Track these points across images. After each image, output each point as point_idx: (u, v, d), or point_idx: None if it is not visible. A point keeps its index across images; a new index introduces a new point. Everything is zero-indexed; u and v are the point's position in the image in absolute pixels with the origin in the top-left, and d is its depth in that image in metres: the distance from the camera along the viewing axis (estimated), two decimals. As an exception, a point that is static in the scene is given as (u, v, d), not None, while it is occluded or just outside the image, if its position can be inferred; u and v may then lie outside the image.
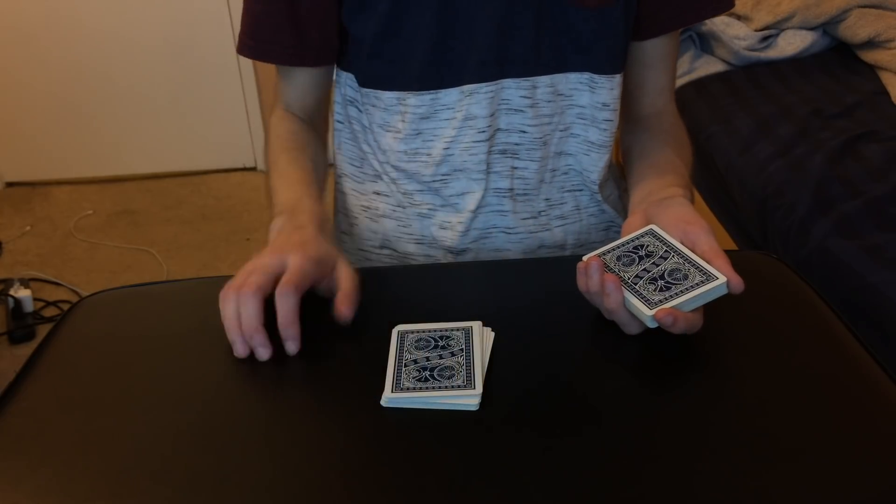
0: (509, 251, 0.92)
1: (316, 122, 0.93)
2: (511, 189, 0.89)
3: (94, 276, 2.41)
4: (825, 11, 2.01)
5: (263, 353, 0.65)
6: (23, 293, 2.20)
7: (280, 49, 0.84)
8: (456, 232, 0.90)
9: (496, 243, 0.91)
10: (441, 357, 0.62)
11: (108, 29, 2.74)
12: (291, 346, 0.65)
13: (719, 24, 2.09)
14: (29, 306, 2.20)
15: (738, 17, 2.16)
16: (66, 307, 1.89)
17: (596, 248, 0.96)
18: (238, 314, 0.65)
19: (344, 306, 0.67)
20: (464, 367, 0.61)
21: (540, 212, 0.91)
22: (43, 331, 2.17)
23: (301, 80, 0.90)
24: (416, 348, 0.64)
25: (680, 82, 2.03)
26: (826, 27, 2.05)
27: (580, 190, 0.93)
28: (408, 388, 0.60)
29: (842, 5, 2.00)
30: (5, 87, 2.81)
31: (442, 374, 0.60)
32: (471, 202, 0.89)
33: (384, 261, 0.96)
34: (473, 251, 0.92)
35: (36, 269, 2.44)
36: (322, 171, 0.89)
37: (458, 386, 0.59)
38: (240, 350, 0.65)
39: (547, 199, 0.91)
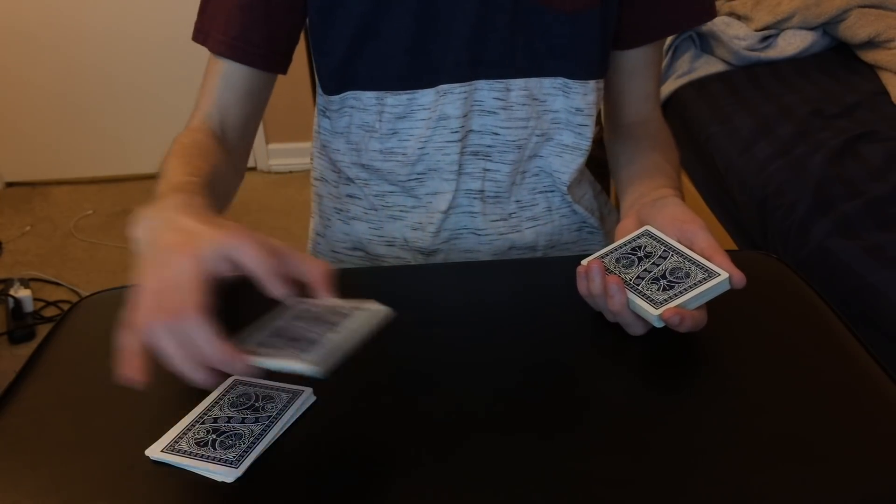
0: (479, 252, 0.92)
1: (231, 141, 0.83)
2: (482, 191, 0.89)
3: (94, 276, 2.41)
4: (825, 11, 2.01)
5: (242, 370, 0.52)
6: (23, 293, 2.20)
7: (258, 52, 0.80)
8: (427, 233, 0.90)
9: (467, 244, 0.91)
10: (244, 421, 0.57)
11: (108, 29, 2.74)
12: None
13: (719, 24, 2.09)
14: (29, 306, 2.20)
15: (738, 17, 2.16)
16: (66, 307, 1.89)
17: (568, 249, 0.97)
18: (180, 344, 0.51)
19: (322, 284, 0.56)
20: (252, 437, 0.56)
21: (510, 214, 0.91)
22: (43, 331, 2.17)
23: (245, 84, 0.82)
24: (231, 405, 0.59)
25: (680, 82, 2.03)
26: (826, 27, 2.05)
27: (552, 191, 0.93)
28: (182, 452, 0.55)
29: (842, 5, 2.00)
30: (5, 87, 2.81)
31: (224, 443, 0.56)
32: (442, 203, 0.89)
33: (356, 262, 0.97)
34: (444, 252, 0.92)
35: (36, 269, 2.44)
36: (221, 183, 0.76)
37: (225, 460, 0.54)
38: (203, 379, 0.52)
39: (518, 202, 0.91)
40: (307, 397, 0.60)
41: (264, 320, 0.57)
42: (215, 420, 0.58)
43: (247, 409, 0.59)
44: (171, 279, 0.52)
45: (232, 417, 0.58)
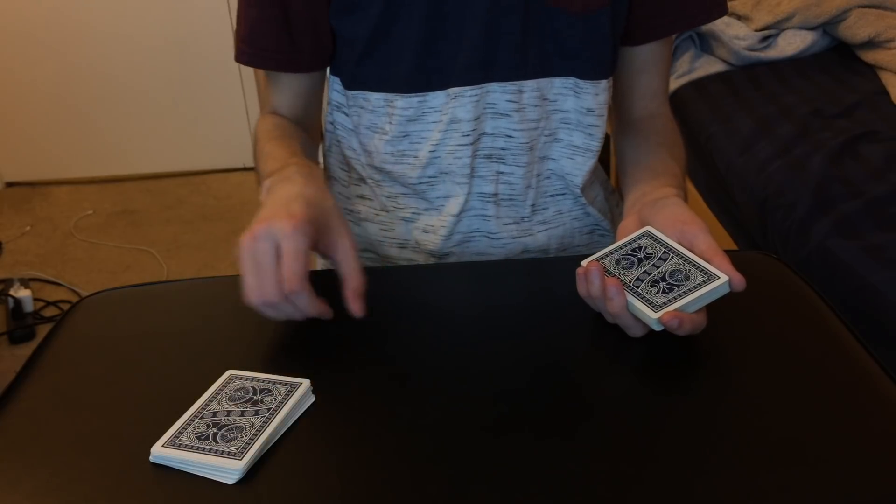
0: (492, 256, 0.91)
1: (306, 126, 0.91)
2: (496, 194, 0.89)
3: (94, 276, 2.41)
4: (825, 11, 2.01)
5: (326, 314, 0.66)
6: (23, 293, 2.20)
7: (274, 55, 0.84)
8: (439, 236, 0.90)
9: (479, 247, 0.91)
10: (243, 414, 0.58)
11: (108, 29, 2.74)
12: (356, 308, 0.66)
13: (719, 24, 2.09)
14: (29, 306, 2.20)
15: (738, 17, 2.16)
16: (66, 307, 1.89)
17: (580, 252, 0.96)
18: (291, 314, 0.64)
19: (357, 305, 0.66)
20: (254, 429, 0.56)
21: (523, 217, 0.91)
22: (43, 331, 2.17)
23: (290, 86, 0.88)
24: (230, 399, 0.59)
25: (680, 82, 2.03)
26: (826, 27, 2.05)
27: (563, 194, 0.92)
28: (182, 446, 0.55)
29: (842, 5, 2.00)
30: (5, 87, 2.81)
31: (225, 436, 0.56)
32: (454, 206, 0.88)
33: (367, 264, 0.96)
34: (456, 255, 0.91)
35: (36, 269, 2.44)
36: (311, 156, 0.87)
37: (228, 452, 0.54)
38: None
39: (532, 205, 0.91)
40: (306, 390, 0.60)
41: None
42: (214, 414, 0.58)
43: (245, 402, 0.59)
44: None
45: (231, 411, 0.58)
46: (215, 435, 0.56)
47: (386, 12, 0.79)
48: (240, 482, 0.53)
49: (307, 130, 0.91)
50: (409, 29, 0.80)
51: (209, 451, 0.54)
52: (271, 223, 0.63)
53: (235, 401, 0.59)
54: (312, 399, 0.60)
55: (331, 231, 0.68)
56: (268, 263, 0.62)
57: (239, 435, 0.56)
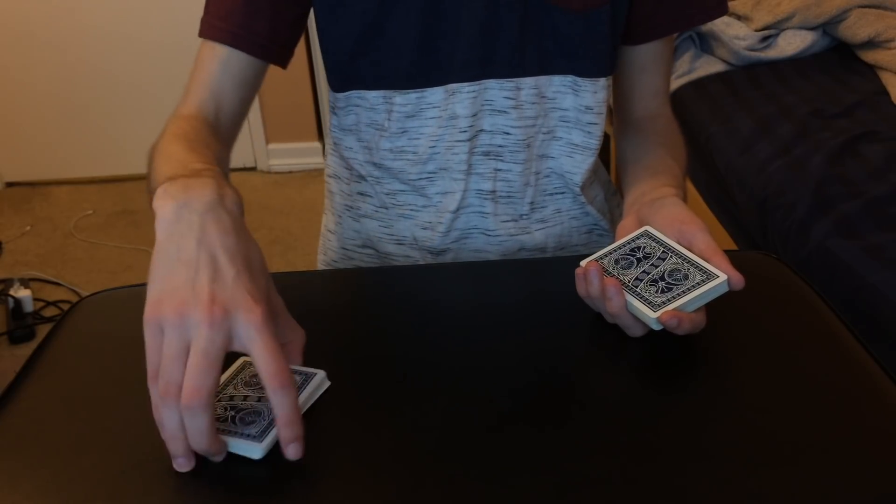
0: (489, 253, 0.92)
1: (224, 129, 0.81)
2: (493, 191, 0.89)
3: (94, 276, 2.41)
4: (825, 11, 2.01)
5: (218, 457, 0.54)
6: (23, 293, 2.21)
7: (251, 37, 0.79)
8: (437, 232, 0.90)
9: (476, 244, 0.91)
10: (260, 399, 0.58)
11: (108, 29, 2.74)
12: (292, 451, 0.53)
13: (719, 24, 2.09)
14: (29, 306, 2.20)
15: (738, 17, 2.16)
16: (66, 307, 1.89)
17: (577, 252, 0.96)
18: (183, 426, 0.51)
19: (299, 358, 0.61)
20: (271, 414, 0.55)
21: (521, 215, 0.91)
22: (43, 331, 2.17)
23: (238, 73, 0.80)
24: (245, 384, 0.60)
25: (680, 82, 2.04)
26: (826, 27, 2.05)
27: (562, 193, 0.92)
28: None
29: (842, 5, 2.00)
30: (5, 87, 2.81)
31: (244, 419, 0.56)
32: (451, 202, 0.89)
33: (366, 260, 0.97)
34: (453, 251, 0.92)
35: (36, 269, 2.44)
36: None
37: (248, 435, 0.55)
38: (184, 464, 0.53)
39: (531, 203, 0.91)
40: (321, 379, 0.61)
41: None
42: (231, 398, 0.58)
43: (260, 387, 0.59)
44: (180, 347, 0.51)
45: (248, 396, 0.59)
46: (233, 418, 0.56)
47: (381, 9, 0.79)
48: (240, 481, 0.53)
49: (223, 136, 0.81)
50: (406, 25, 0.80)
51: (229, 433, 0.55)
52: (236, 312, 0.52)
53: (251, 386, 0.60)
54: (328, 384, 0.61)
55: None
56: (215, 358, 0.51)
57: (258, 419, 0.56)
